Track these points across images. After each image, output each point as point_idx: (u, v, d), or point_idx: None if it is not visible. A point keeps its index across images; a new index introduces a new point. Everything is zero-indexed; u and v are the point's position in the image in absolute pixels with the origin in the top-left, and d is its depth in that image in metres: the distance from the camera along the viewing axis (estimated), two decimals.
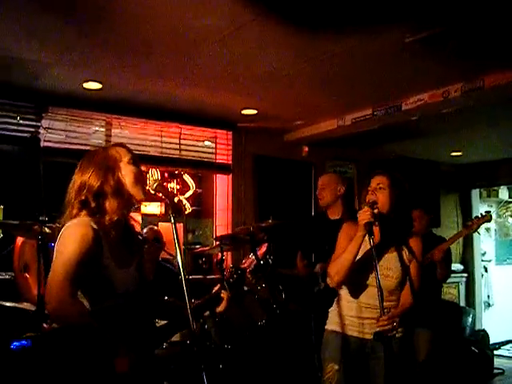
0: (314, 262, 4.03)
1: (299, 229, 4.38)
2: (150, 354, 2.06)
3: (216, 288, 2.32)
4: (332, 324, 2.86)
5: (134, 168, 2.10)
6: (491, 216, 3.91)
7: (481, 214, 3.90)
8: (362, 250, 2.64)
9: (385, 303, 2.56)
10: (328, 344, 2.83)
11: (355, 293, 2.74)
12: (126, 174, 2.07)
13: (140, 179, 2.10)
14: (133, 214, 2.23)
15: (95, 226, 1.95)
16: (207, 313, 2.31)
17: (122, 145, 2.20)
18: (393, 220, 2.70)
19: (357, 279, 2.70)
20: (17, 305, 3.54)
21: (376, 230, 2.68)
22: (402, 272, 2.71)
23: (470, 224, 3.95)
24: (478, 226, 3.90)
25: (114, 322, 1.92)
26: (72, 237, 1.91)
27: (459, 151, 7.01)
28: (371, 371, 2.73)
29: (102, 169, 2.05)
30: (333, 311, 2.89)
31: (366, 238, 2.59)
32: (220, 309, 2.30)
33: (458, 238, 4.15)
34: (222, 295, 2.29)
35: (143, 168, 2.18)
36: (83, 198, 2.01)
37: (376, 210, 2.60)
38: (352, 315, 2.76)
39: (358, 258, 2.63)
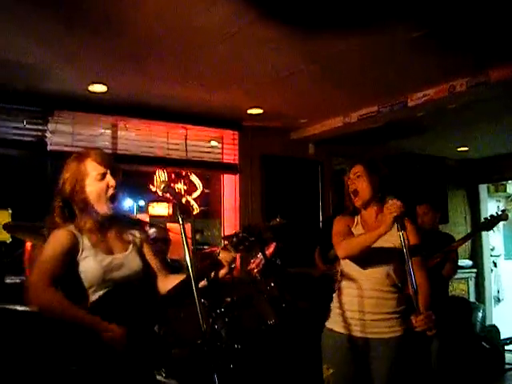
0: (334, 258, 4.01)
1: (323, 225, 4.36)
2: (146, 333, 2.15)
3: (216, 249, 2.33)
4: (331, 321, 2.76)
5: (99, 184, 2.16)
6: (507, 215, 3.85)
7: (496, 213, 3.85)
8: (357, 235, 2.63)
9: (378, 292, 2.57)
10: (324, 344, 2.75)
11: (358, 275, 2.65)
12: (91, 190, 2.16)
13: (103, 196, 2.16)
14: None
15: (73, 229, 2.12)
16: (203, 282, 2.25)
17: (95, 157, 2.20)
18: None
19: (360, 263, 2.63)
20: (28, 308, 3.55)
21: (373, 221, 2.67)
22: (393, 258, 2.57)
23: (486, 222, 3.89)
24: (494, 225, 3.85)
25: (101, 305, 2.04)
26: (49, 242, 2.11)
27: (466, 146, 6.98)
28: (374, 372, 2.62)
29: (73, 180, 2.17)
30: (333, 307, 2.79)
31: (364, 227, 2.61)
32: (223, 272, 2.29)
33: (473, 235, 4.12)
34: (220, 257, 2.29)
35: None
36: (57, 203, 2.18)
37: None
38: (353, 309, 2.64)
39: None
